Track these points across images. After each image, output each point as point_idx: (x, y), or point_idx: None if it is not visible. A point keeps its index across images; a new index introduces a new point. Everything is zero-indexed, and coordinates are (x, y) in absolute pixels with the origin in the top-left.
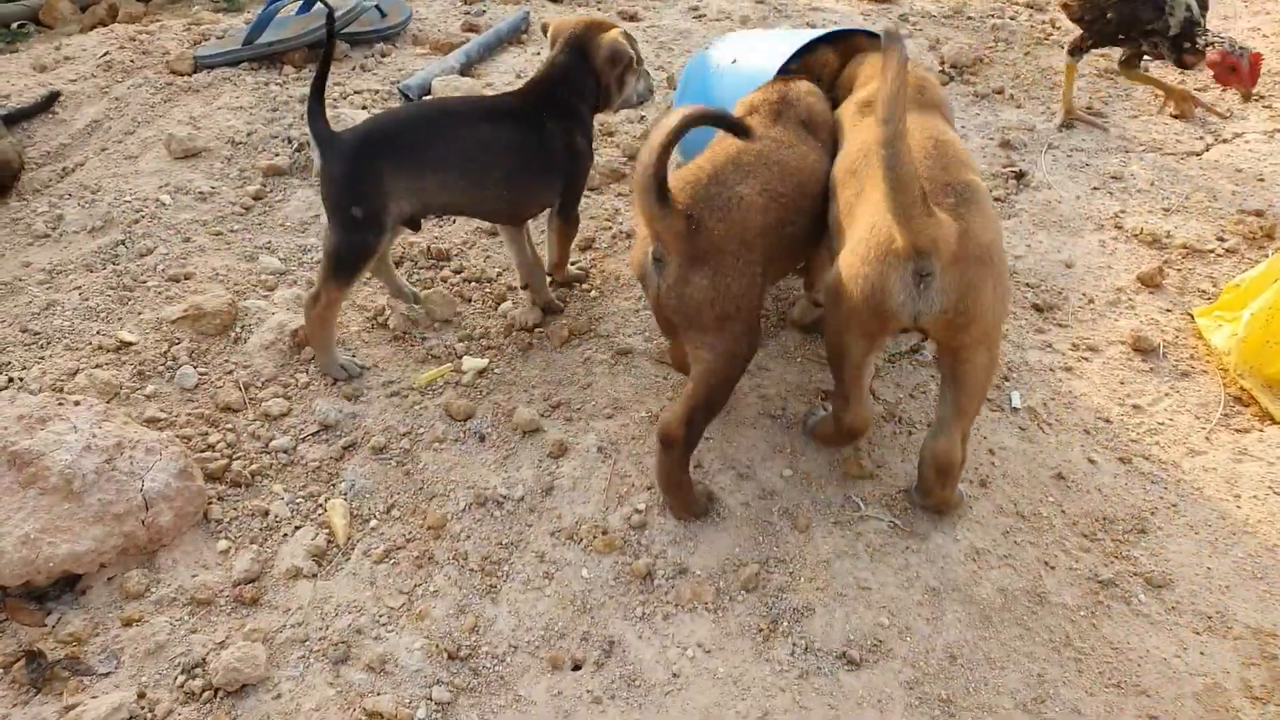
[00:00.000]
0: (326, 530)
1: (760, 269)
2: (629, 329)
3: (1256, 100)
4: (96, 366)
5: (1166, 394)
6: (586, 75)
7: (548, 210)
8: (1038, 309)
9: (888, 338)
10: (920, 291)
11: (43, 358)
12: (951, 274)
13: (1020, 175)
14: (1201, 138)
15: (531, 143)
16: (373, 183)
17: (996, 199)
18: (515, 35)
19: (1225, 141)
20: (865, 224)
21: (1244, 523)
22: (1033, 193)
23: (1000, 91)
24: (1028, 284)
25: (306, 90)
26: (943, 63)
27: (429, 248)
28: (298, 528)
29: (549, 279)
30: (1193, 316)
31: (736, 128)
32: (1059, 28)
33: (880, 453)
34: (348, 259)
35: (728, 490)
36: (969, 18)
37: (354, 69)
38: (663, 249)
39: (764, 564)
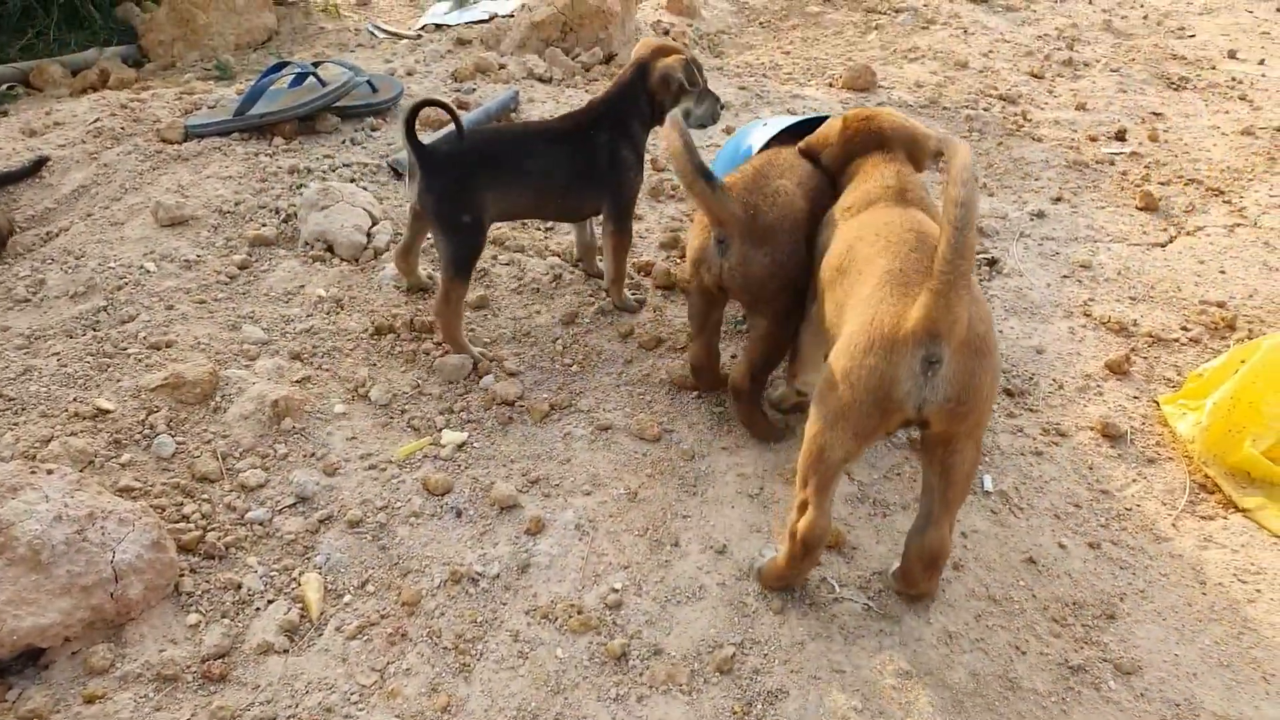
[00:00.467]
0: (299, 605)
1: (805, 245)
2: (610, 404)
3: (1216, 195)
4: (72, 434)
5: (1134, 480)
6: (642, 94)
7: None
8: (1009, 393)
9: (878, 438)
10: (927, 380)
11: (16, 424)
12: (957, 361)
13: (993, 262)
14: (1165, 229)
15: (586, 156)
16: (473, 193)
17: None
18: (505, 113)
19: (1188, 234)
20: (864, 316)
21: (1210, 610)
22: (1005, 279)
23: None
24: (999, 369)
25: (296, 162)
26: None
27: (412, 320)
28: (270, 602)
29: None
30: (1159, 404)
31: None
32: (1030, 119)
33: (855, 534)
34: (464, 259)
35: (705, 570)
36: (944, 108)
37: (344, 142)
38: (725, 232)
39: (739, 646)
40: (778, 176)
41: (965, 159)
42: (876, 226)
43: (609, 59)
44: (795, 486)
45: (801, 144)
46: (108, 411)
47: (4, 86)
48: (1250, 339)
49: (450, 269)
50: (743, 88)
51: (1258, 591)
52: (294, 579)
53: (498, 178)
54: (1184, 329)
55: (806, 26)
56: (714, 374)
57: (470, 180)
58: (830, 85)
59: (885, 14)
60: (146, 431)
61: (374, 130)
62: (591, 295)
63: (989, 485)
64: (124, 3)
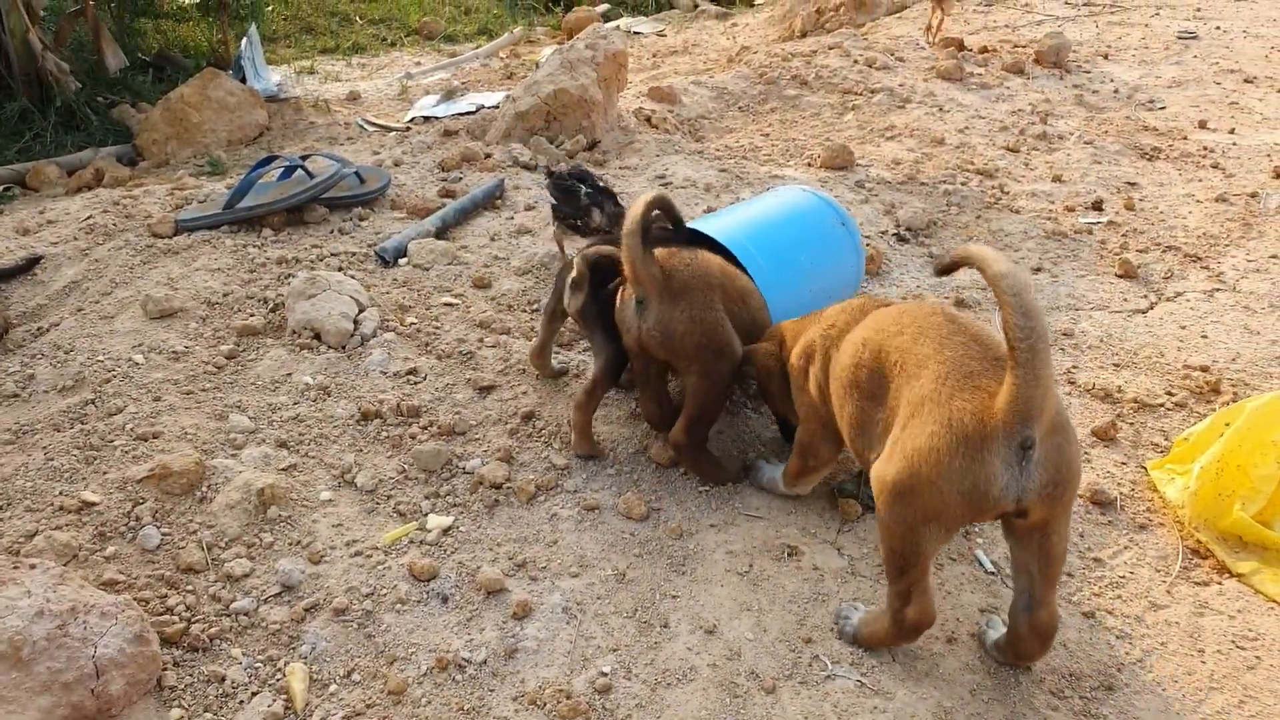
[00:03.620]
0: (284, 696)
1: (723, 311)
2: (596, 484)
3: (1194, 261)
4: (56, 528)
5: (1126, 546)
6: None
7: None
8: None
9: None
10: (1023, 469)
11: (1, 519)
12: (1047, 443)
13: None
14: (1146, 296)
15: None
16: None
17: None
18: (490, 201)
19: (1169, 300)
20: (936, 416)
21: (1210, 678)
22: None
23: None
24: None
25: (284, 252)
26: (898, 226)
27: (399, 405)
28: (255, 694)
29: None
30: (1147, 469)
31: (677, 219)
32: (1007, 192)
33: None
34: (621, 363)
35: (695, 650)
36: (922, 183)
37: (332, 232)
38: (644, 292)
39: None
40: (689, 251)
41: (980, 247)
42: (895, 322)
43: (592, 145)
44: (889, 579)
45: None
46: (93, 504)
47: (0, 188)
48: (1234, 402)
49: (605, 370)
50: (723, 170)
51: (1257, 658)
52: (279, 669)
53: None
54: (1169, 394)
55: (785, 109)
56: (666, 421)
57: None
58: (809, 165)
59: (861, 95)
60: (132, 523)
61: (361, 220)
62: (575, 376)
63: (988, 565)
64: (120, 104)
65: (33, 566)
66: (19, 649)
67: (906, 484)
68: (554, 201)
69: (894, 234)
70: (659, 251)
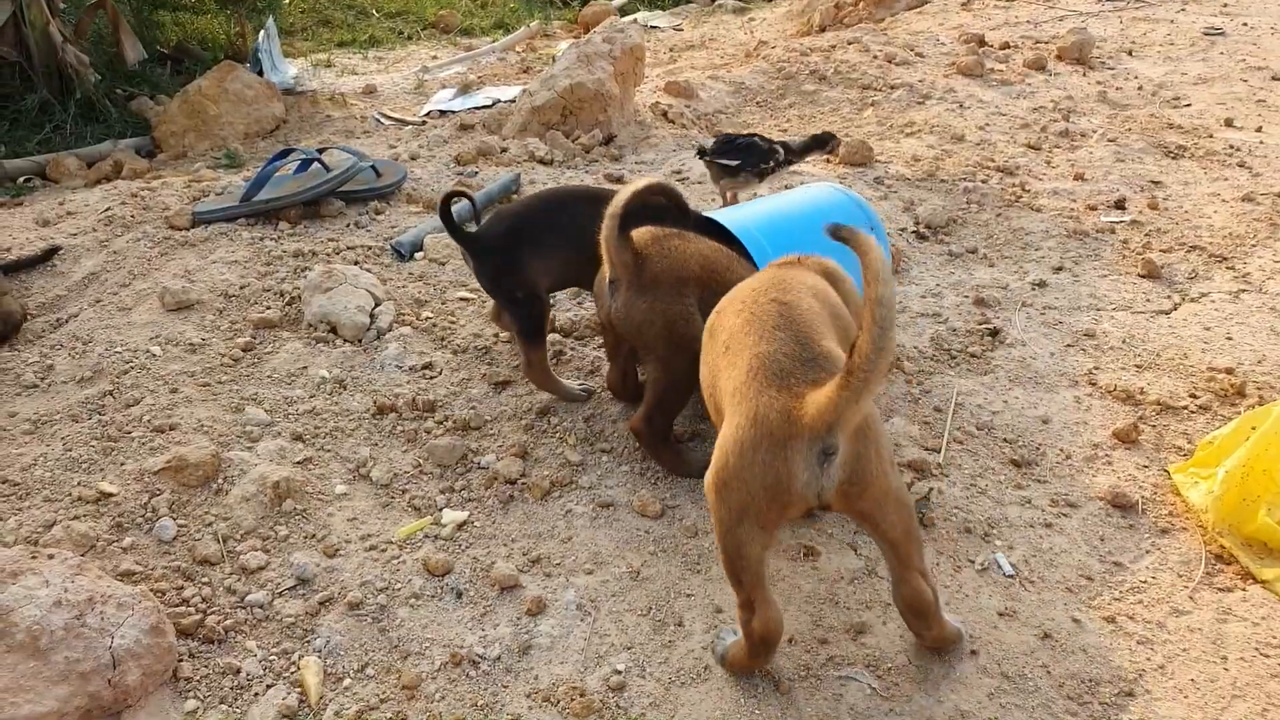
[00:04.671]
0: (299, 689)
1: (694, 306)
2: (611, 480)
3: (1220, 261)
4: (74, 518)
5: (1148, 551)
6: None
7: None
8: (1015, 464)
9: (788, 523)
10: (823, 470)
11: (20, 509)
12: (848, 448)
13: (995, 332)
14: (1169, 296)
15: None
16: (520, 268)
17: (972, 355)
18: (506, 196)
19: (1193, 301)
20: (747, 409)
21: (1232, 686)
22: (1008, 349)
23: (974, 251)
24: (1005, 439)
25: (300, 245)
26: (917, 223)
27: (414, 399)
28: (269, 686)
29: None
30: (1169, 473)
31: (679, 202)
32: (1029, 190)
33: (863, 613)
34: (531, 328)
35: (710, 649)
36: (942, 180)
37: (348, 226)
38: (617, 274)
39: None
40: (678, 238)
41: (878, 254)
42: (743, 293)
43: (608, 140)
44: (732, 589)
45: None
46: (110, 495)
47: (21, 179)
48: (1260, 405)
49: (522, 337)
50: None
51: None
52: (293, 663)
53: (538, 249)
54: (1192, 396)
55: (803, 105)
56: (628, 393)
57: (515, 257)
58: (828, 161)
59: (881, 90)
60: (148, 515)
61: (377, 214)
62: (592, 371)
63: (1009, 569)
64: (138, 97)
65: (51, 556)
66: (37, 639)
67: (720, 478)
68: (734, 162)
69: (913, 231)
70: (646, 232)
